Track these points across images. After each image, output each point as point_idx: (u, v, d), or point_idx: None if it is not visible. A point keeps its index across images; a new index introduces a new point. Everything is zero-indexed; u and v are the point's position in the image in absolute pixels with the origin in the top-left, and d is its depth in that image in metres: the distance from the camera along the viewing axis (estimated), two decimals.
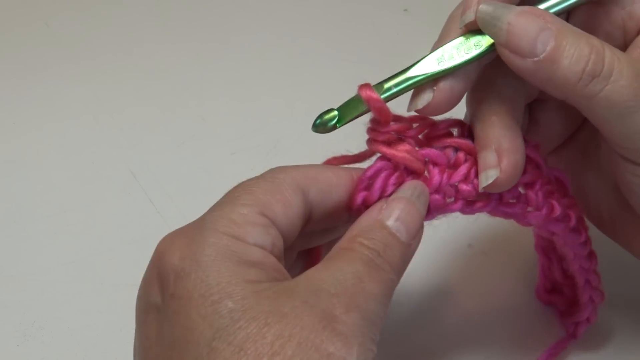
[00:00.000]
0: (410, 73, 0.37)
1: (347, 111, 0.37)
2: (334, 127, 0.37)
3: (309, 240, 0.39)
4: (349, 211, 0.37)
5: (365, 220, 0.36)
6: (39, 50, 0.77)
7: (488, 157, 0.37)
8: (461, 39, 0.37)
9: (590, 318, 0.47)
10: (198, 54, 0.77)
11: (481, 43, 0.36)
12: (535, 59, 0.34)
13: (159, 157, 0.64)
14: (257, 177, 0.36)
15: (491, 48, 0.36)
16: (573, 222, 0.42)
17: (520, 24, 0.34)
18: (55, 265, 0.55)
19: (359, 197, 0.37)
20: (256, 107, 0.70)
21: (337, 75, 0.74)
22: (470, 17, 0.36)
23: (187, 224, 0.35)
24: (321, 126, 0.36)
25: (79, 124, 0.68)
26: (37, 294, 0.53)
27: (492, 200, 0.39)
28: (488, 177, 0.37)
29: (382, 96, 0.37)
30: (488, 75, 0.39)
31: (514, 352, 0.49)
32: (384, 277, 0.34)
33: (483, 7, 0.35)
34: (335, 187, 0.37)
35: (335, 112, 0.37)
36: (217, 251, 0.32)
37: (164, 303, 0.32)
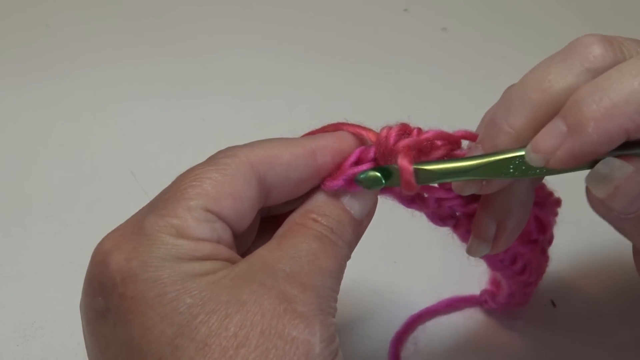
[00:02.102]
0: (469, 171, 0.34)
1: (390, 177, 0.35)
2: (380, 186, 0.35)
3: (269, 209, 0.39)
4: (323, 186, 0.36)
5: (320, 195, 0.36)
6: (39, 50, 0.77)
7: (487, 228, 0.38)
8: (517, 156, 0.34)
9: (497, 309, 0.49)
10: (198, 54, 0.77)
11: (542, 170, 0.34)
12: (623, 216, 0.33)
13: (159, 157, 0.64)
14: (208, 163, 0.34)
15: (554, 173, 0.35)
16: (517, 265, 0.44)
17: (626, 187, 0.33)
18: (55, 265, 0.55)
19: (335, 185, 0.35)
20: (256, 108, 0.70)
21: (337, 75, 0.74)
22: (539, 163, 0.33)
23: (128, 222, 0.33)
24: (366, 183, 0.35)
25: (79, 124, 0.68)
26: (37, 294, 0.53)
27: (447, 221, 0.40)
28: (478, 251, 0.39)
29: (423, 181, 0.35)
30: None
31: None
32: (338, 252, 0.34)
33: (600, 167, 0.33)
34: (294, 168, 0.35)
35: (379, 175, 0.35)
36: (166, 251, 0.31)
37: (112, 302, 0.31)
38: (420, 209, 0.39)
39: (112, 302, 0.31)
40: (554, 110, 0.33)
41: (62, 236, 0.57)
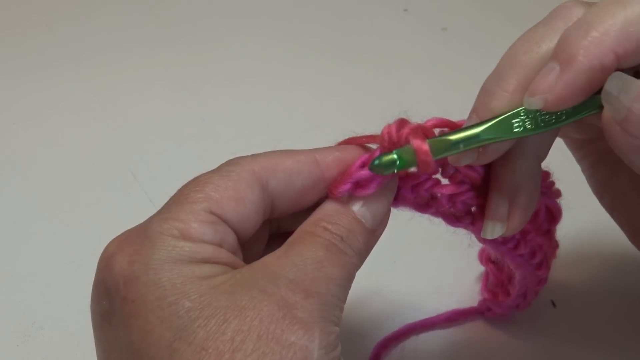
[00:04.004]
0: (481, 134, 0.34)
1: (405, 159, 0.34)
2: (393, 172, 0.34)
3: (278, 225, 0.39)
4: (329, 194, 0.36)
5: (331, 203, 0.35)
6: (39, 50, 0.77)
7: (499, 207, 0.38)
8: (522, 109, 0.35)
9: (505, 314, 0.49)
10: (198, 53, 0.77)
11: (551, 120, 0.34)
12: None
13: (159, 157, 0.64)
14: (212, 171, 0.35)
15: (562, 122, 0.34)
16: (536, 259, 0.44)
17: None
18: (55, 265, 0.55)
19: (343, 189, 0.35)
20: (256, 107, 0.70)
21: (337, 75, 0.74)
22: (538, 104, 0.33)
23: (134, 227, 0.34)
24: (379, 168, 0.34)
25: (79, 124, 0.68)
26: (37, 294, 0.53)
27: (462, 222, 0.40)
28: (494, 231, 0.38)
29: (437, 154, 0.34)
30: None
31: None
32: (346, 261, 0.33)
33: (614, 81, 0.32)
34: (296, 175, 0.35)
35: (395, 157, 0.34)
36: (167, 253, 0.31)
37: (116, 306, 0.31)
38: (435, 213, 0.39)
39: (115, 305, 0.31)
40: None
41: (62, 236, 0.57)
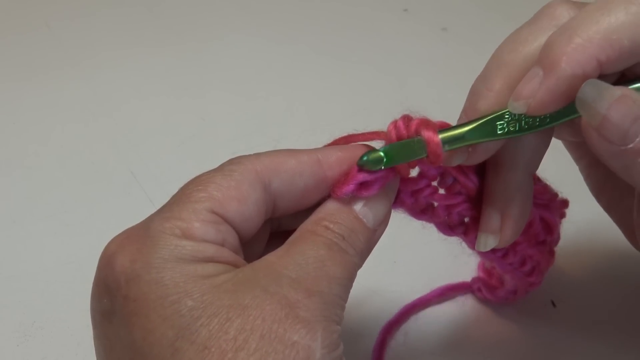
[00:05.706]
0: (465, 134, 0.35)
1: (401, 153, 0.35)
2: (380, 169, 0.35)
3: (279, 223, 0.39)
4: (332, 194, 0.36)
5: (332, 202, 0.35)
6: (40, 50, 0.77)
7: (492, 219, 0.39)
8: (507, 112, 0.35)
9: (492, 300, 0.49)
10: (198, 54, 0.77)
11: (535, 123, 0.35)
12: (622, 147, 0.32)
13: (159, 157, 0.64)
14: (214, 170, 0.35)
15: (546, 125, 0.35)
16: (526, 267, 0.44)
17: (618, 112, 0.32)
18: (55, 265, 0.55)
19: (346, 190, 0.35)
20: (256, 107, 0.70)
21: (337, 75, 0.74)
22: (521, 109, 0.34)
23: (135, 226, 0.34)
24: (367, 164, 0.35)
25: (79, 124, 0.68)
26: (37, 294, 0.53)
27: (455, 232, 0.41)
28: (487, 244, 0.39)
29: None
30: None
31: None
32: (347, 260, 0.34)
33: (587, 88, 0.32)
34: (299, 175, 0.35)
35: (381, 154, 0.35)
36: (169, 252, 0.31)
37: (117, 305, 0.31)
38: (430, 219, 0.40)
39: (117, 304, 0.31)
40: (529, 69, 0.34)
41: (62, 236, 0.57)
